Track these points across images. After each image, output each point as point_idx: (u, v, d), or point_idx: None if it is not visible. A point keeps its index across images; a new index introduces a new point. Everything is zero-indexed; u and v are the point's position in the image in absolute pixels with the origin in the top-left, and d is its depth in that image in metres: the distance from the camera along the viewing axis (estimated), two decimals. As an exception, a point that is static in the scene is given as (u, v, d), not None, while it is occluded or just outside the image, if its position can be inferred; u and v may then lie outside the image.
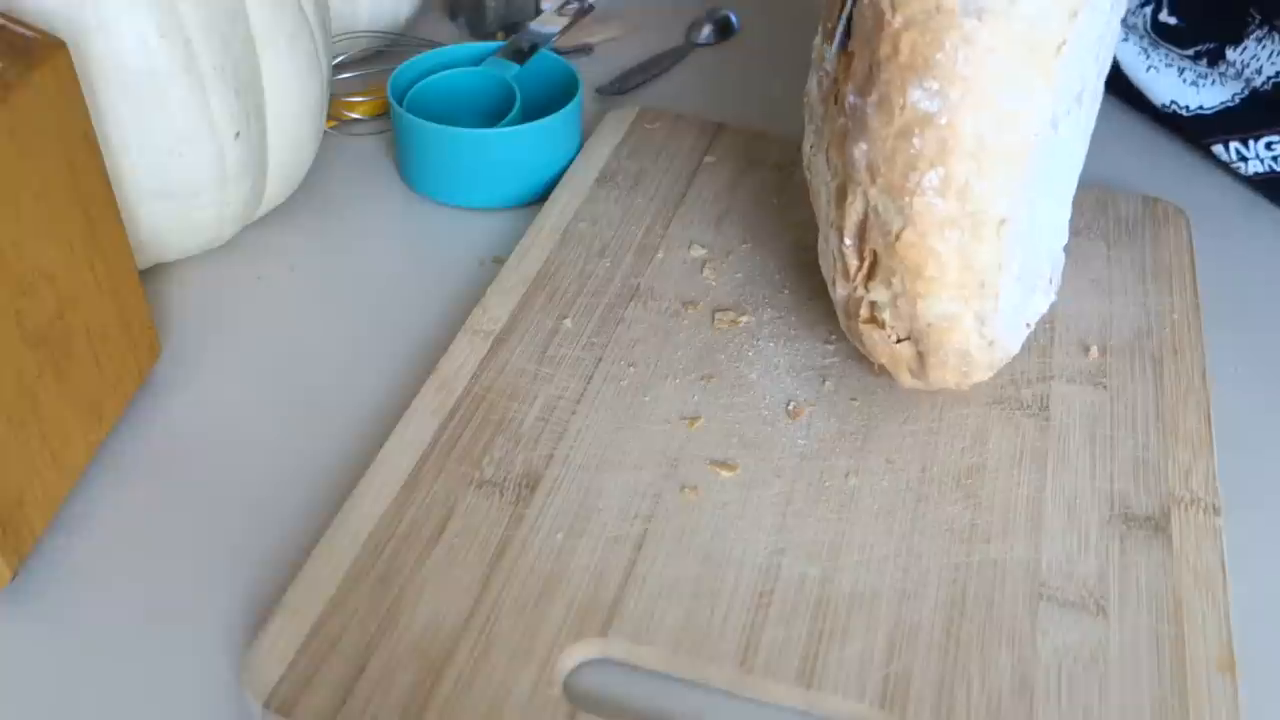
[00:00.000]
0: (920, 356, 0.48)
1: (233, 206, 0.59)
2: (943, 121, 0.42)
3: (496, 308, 0.56)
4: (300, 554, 0.46)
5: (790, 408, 0.52)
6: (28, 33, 0.44)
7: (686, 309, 0.57)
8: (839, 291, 0.49)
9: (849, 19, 0.45)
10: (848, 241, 0.47)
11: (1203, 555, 0.46)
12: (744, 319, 0.56)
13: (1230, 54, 0.66)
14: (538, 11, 0.85)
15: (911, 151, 0.43)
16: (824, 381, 0.53)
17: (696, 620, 0.43)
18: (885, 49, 0.42)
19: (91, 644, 0.43)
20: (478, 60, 0.72)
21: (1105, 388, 0.54)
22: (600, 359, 0.54)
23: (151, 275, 0.60)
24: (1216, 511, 0.48)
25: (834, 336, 0.56)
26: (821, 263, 0.52)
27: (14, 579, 0.44)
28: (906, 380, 0.50)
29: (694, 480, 0.48)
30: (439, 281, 0.61)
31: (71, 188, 0.45)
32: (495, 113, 0.69)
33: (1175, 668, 0.42)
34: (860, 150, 0.44)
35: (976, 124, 0.42)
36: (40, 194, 0.43)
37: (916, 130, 0.42)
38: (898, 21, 0.42)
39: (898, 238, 0.44)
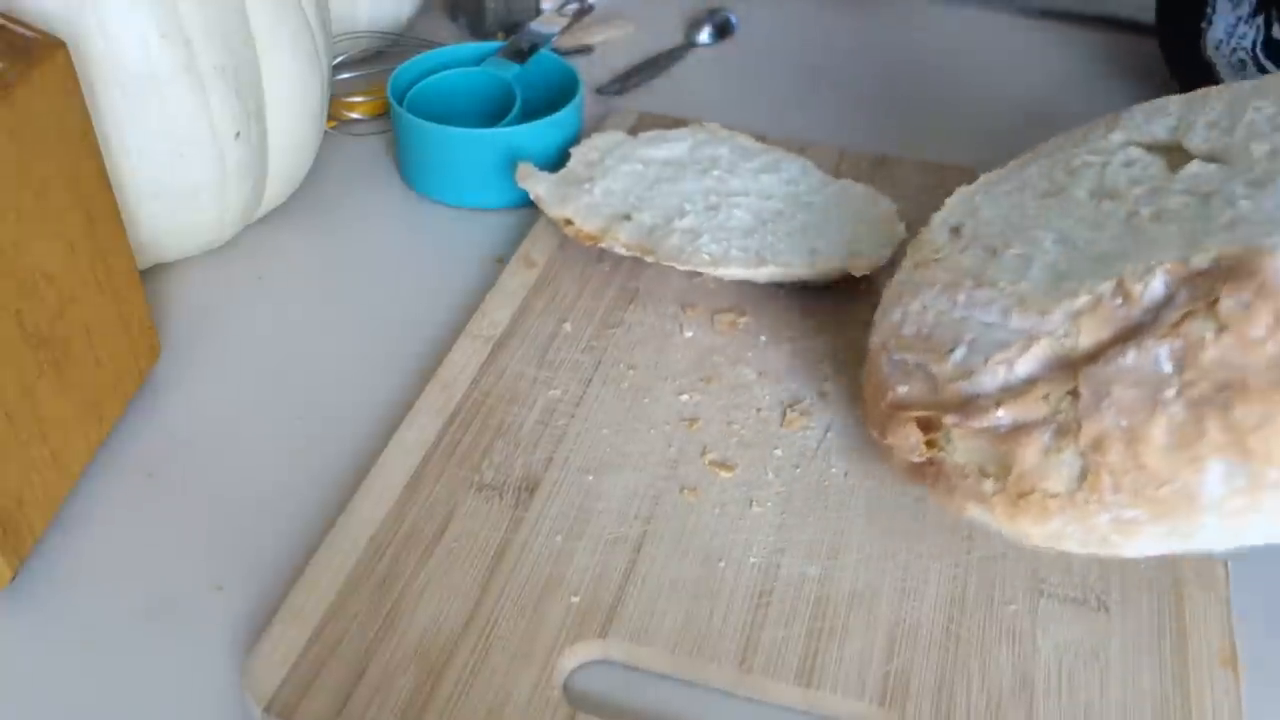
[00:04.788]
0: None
1: (233, 207, 0.59)
2: None
3: (496, 311, 0.56)
4: (301, 556, 0.46)
5: (789, 408, 0.52)
6: (28, 33, 0.44)
7: (686, 311, 0.57)
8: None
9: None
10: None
11: (1203, 555, 0.46)
12: (743, 320, 0.56)
13: None
14: (538, 11, 0.85)
15: None
16: (823, 381, 0.53)
17: (696, 620, 0.43)
18: None
19: (91, 645, 0.43)
20: (478, 60, 0.72)
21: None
22: (600, 362, 0.54)
23: (151, 275, 0.60)
24: (1216, 512, 0.48)
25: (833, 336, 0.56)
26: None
27: (14, 579, 0.44)
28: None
29: (693, 481, 0.48)
30: (439, 281, 0.61)
31: (71, 188, 0.45)
32: (495, 113, 0.69)
33: (1177, 664, 0.42)
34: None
35: None
36: (40, 194, 0.43)
37: None
38: None
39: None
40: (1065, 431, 0.38)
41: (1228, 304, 0.35)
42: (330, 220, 0.66)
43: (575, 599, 0.43)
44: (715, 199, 0.60)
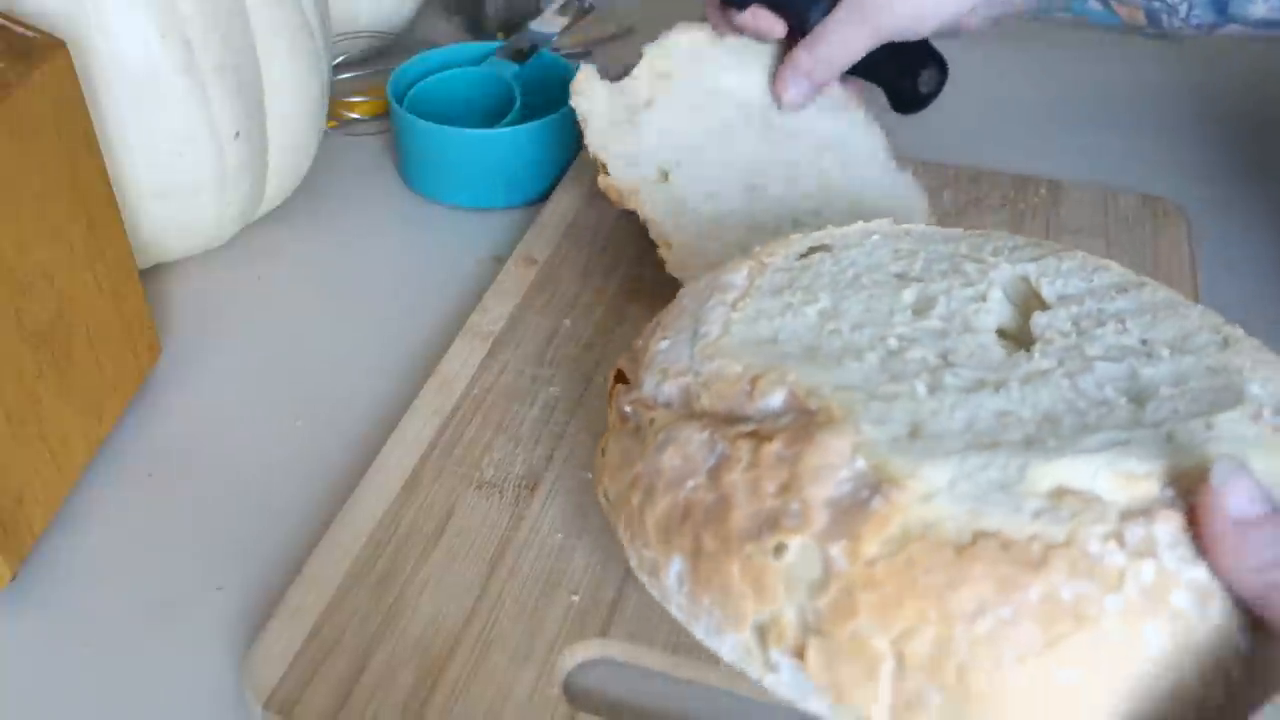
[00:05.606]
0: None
1: (233, 206, 0.59)
2: None
3: (496, 309, 0.56)
4: (300, 554, 0.46)
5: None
6: (28, 33, 0.44)
7: (686, 309, 0.57)
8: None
9: None
10: None
11: (1203, 555, 0.46)
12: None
13: None
14: (538, 11, 0.85)
15: None
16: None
17: (696, 620, 0.42)
18: None
19: (91, 644, 0.43)
20: (478, 60, 0.72)
21: (1105, 387, 0.53)
22: (600, 360, 0.54)
23: (151, 275, 0.60)
24: (1217, 511, 0.48)
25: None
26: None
27: (14, 579, 0.44)
28: None
29: (694, 480, 0.48)
30: (439, 281, 0.61)
31: (71, 188, 0.45)
32: (495, 113, 0.69)
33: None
34: None
35: None
36: (40, 194, 0.43)
37: None
38: None
39: None
40: (631, 457, 0.39)
41: (771, 448, 0.35)
42: (330, 220, 0.66)
43: (575, 597, 0.43)
44: (758, 180, 0.57)
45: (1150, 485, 0.33)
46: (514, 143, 0.65)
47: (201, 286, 0.60)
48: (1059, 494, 0.33)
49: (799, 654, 0.34)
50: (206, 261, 0.62)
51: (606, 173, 0.55)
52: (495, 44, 0.72)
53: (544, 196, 0.66)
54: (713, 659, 0.41)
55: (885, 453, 0.34)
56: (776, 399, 0.37)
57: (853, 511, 0.34)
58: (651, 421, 0.40)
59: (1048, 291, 0.43)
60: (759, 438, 0.36)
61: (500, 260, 0.62)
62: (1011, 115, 0.77)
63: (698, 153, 0.57)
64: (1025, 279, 0.44)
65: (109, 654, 0.43)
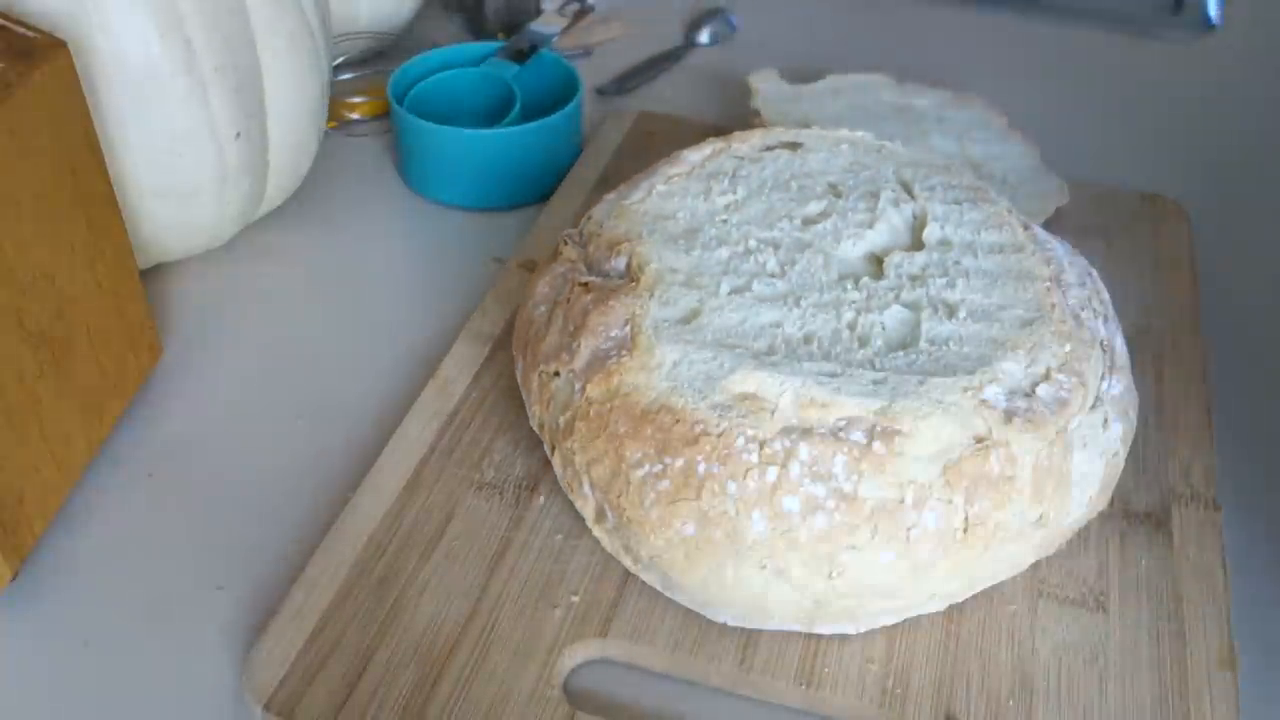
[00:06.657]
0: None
1: (233, 206, 0.59)
2: None
3: (496, 310, 0.56)
4: (301, 555, 0.46)
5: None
6: (28, 33, 0.44)
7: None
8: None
9: None
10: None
11: (1203, 552, 0.46)
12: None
13: None
14: (538, 11, 0.85)
15: None
16: (824, 381, 0.53)
17: (696, 619, 0.42)
18: None
19: (91, 644, 0.43)
20: (478, 60, 0.72)
21: (1105, 387, 0.54)
22: (600, 359, 0.54)
23: (151, 275, 0.60)
24: (1217, 507, 0.48)
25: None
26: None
27: (14, 579, 0.44)
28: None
29: (694, 480, 0.48)
30: (439, 282, 0.61)
31: (72, 188, 0.45)
32: (495, 113, 0.69)
33: (1175, 665, 0.42)
34: None
35: None
36: (41, 194, 0.43)
37: None
38: None
39: None
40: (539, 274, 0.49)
41: (584, 299, 0.44)
42: (330, 220, 0.66)
43: (575, 598, 0.43)
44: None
45: (825, 414, 0.39)
46: (514, 143, 0.65)
47: (201, 286, 0.60)
48: (744, 397, 0.39)
49: (552, 453, 0.44)
50: (206, 261, 0.62)
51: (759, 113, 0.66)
52: (495, 44, 0.72)
53: (544, 196, 0.66)
54: (712, 659, 0.41)
55: (646, 326, 0.42)
56: (620, 263, 0.45)
57: (600, 363, 0.42)
58: (560, 253, 0.48)
59: (931, 234, 0.47)
60: (585, 288, 0.44)
61: (500, 261, 0.62)
62: (1014, 115, 0.77)
63: (844, 119, 0.66)
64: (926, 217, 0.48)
65: (109, 654, 0.43)
